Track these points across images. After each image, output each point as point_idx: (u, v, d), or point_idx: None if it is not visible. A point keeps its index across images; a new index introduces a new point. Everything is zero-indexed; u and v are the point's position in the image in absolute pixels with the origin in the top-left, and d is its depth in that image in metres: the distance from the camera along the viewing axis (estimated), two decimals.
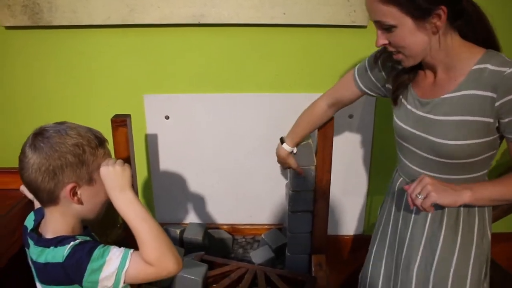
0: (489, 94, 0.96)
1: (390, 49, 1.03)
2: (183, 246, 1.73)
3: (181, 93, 1.69)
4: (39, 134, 0.89)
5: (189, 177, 1.82)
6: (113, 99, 1.70)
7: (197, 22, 1.55)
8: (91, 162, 0.90)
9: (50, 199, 0.91)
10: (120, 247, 0.90)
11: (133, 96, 1.69)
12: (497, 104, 0.96)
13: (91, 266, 0.85)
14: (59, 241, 0.89)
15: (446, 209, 1.10)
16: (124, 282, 0.87)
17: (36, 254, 0.90)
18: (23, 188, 1.20)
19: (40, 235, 0.94)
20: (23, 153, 0.89)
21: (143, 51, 1.63)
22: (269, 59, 1.65)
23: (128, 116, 1.45)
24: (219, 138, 1.75)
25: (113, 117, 1.43)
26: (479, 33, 1.00)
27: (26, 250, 0.98)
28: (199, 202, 1.85)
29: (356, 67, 1.27)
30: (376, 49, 1.16)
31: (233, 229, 1.87)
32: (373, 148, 1.77)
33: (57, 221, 0.93)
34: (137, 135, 1.59)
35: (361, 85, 1.25)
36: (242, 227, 1.87)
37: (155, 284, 1.46)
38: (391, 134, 1.22)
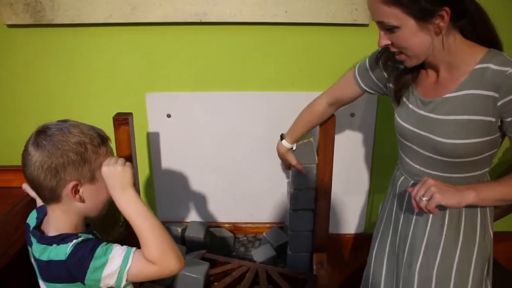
0: (492, 93, 0.96)
1: (393, 49, 1.03)
2: (185, 244, 1.73)
3: (183, 92, 1.69)
4: (42, 132, 0.89)
5: (190, 175, 1.82)
6: (115, 97, 1.70)
7: (199, 21, 1.55)
8: (93, 160, 0.91)
9: (52, 197, 0.91)
10: (122, 245, 0.90)
11: (135, 95, 1.69)
12: (499, 103, 0.96)
13: (93, 264, 0.85)
14: (61, 239, 0.89)
15: (448, 208, 1.10)
16: (126, 280, 0.87)
17: (39, 251, 0.91)
18: (26, 186, 1.21)
19: (42, 232, 0.95)
20: (26, 151, 0.89)
21: (145, 50, 1.63)
22: (271, 58, 1.65)
23: (130, 114, 1.45)
24: (221, 136, 1.75)
25: (115, 115, 1.43)
26: (480, 32, 1.00)
27: (29, 248, 0.98)
28: (200, 201, 1.86)
29: (357, 66, 1.27)
30: (377, 47, 1.16)
31: (235, 228, 1.87)
32: (375, 147, 1.77)
33: (59, 219, 0.93)
34: (139, 134, 1.59)
35: (361, 83, 1.25)
36: (244, 225, 1.88)
37: (157, 283, 1.46)
38: (393, 132, 1.22)
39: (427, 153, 1.09)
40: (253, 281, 1.49)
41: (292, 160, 1.47)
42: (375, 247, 1.33)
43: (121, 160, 0.93)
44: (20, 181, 1.24)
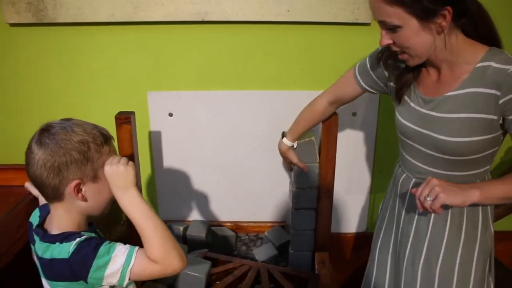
0: (493, 91, 0.96)
1: (395, 48, 1.03)
2: (187, 243, 1.73)
3: (185, 91, 1.69)
4: (46, 130, 0.89)
5: (192, 174, 1.82)
6: (117, 96, 1.70)
7: (201, 20, 1.55)
8: (96, 159, 0.91)
9: (55, 195, 0.91)
10: (124, 244, 0.90)
11: (137, 93, 1.70)
12: (501, 101, 0.96)
13: (96, 262, 0.85)
14: (64, 237, 0.89)
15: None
16: (129, 279, 0.88)
17: (42, 250, 0.91)
18: (28, 185, 1.21)
19: (45, 231, 0.95)
20: (29, 149, 0.89)
21: (147, 49, 1.63)
22: (273, 57, 1.65)
23: (132, 113, 1.45)
24: (222, 135, 1.75)
25: (117, 114, 1.44)
26: (481, 31, 1.01)
27: (32, 246, 0.98)
28: (202, 200, 1.86)
29: (357, 65, 1.27)
30: (378, 47, 1.16)
31: (236, 227, 1.87)
32: (377, 146, 1.77)
33: (62, 217, 0.94)
34: (140, 132, 1.59)
35: (362, 82, 1.26)
36: (245, 224, 1.88)
37: (159, 281, 1.46)
38: (395, 131, 1.22)
39: (428, 151, 1.09)
40: (255, 280, 1.49)
41: (294, 158, 1.48)
42: (378, 246, 1.33)
43: (123, 160, 0.93)
44: (22, 179, 1.25)
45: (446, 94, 1.03)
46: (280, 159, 1.56)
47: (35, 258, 0.97)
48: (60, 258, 0.87)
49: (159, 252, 0.86)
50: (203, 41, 1.63)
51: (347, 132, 1.75)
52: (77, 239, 0.88)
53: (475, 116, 1.00)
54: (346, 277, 1.96)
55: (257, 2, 1.53)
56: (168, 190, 1.84)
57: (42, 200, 1.07)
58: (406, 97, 1.14)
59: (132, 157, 1.42)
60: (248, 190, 1.84)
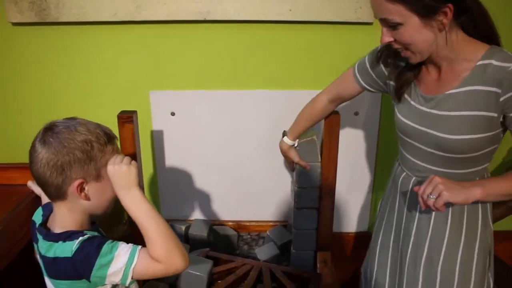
0: (494, 89, 0.97)
1: (396, 46, 1.04)
2: (188, 242, 1.73)
3: (187, 90, 1.69)
4: (49, 129, 0.90)
5: (194, 173, 1.82)
6: (119, 95, 1.70)
7: (203, 19, 1.55)
8: (99, 159, 0.91)
9: (58, 194, 0.91)
10: (126, 243, 0.90)
11: (139, 93, 1.70)
12: (501, 99, 0.97)
13: (99, 261, 0.85)
14: (68, 236, 0.89)
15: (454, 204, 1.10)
16: (131, 278, 0.88)
17: (45, 248, 0.91)
18: (31, 184, 1.22)
19: (48, 229, 0.95)
20: (33, 147, 0.90)
21: (150, 48, 1.64)
22: (275, 56, 1.65)
23: (135, 112, 1.45)
24: (224, 134, 1.75)
25: (120, 113, 1.44)
26: (481, 29, 1.01)
27: (35, 244, 0.99)
28: (204, 199, 1.86)
29: (356, 64, 1.28)
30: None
31: (238, 226, 1.87)
32: (379, 146, 1.77)
33: (65, 216, 0.94)
34: (143, 132, 1.59)
35: (361, 81, 1.26)
36: (247, 223, 1.88)
37: (161, 280, 1.46)
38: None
39: (429, 149, 1.10)
40: (257, 279, 1.49)
41: (295, 157, 1.48)
42: (378, 246, 1.33)
43: (126, 159, 0.93)
44: (24, 178, 1.25)
45: (446, 92, 1.04)
46: (282, 158, 1.57)
47: (38, 256, 0.97)
48: (63, 257, 0.88)
49: (162, 252, 0.87)
50: (205, 40, 1.63)
51: (349, 132, 1.75)
52: (80, 238, 0.88)
53: (476, 113, 1.00)
54: (348, 276, 1.96)
55: (259, 2, 1.53)
56: (170, 189, 1.84)
57: (44, 199, 1.07)
58: (406, 96, 1.14)
59: (134, 156, 1.42)
60: (250, 189, 1.84)
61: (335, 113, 1.45)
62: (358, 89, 1.28)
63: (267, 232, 1.78)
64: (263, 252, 1.66)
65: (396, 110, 1.18)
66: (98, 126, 0.94)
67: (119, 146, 0.99)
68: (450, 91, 1.03)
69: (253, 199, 1.85)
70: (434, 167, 1.11)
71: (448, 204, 1.01)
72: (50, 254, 0.90)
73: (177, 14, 1.54)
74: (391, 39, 1.02)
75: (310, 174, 1.50)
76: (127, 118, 1.43)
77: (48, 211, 1.00)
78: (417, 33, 0.97)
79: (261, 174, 1.81)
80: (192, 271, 1.41)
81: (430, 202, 0.99)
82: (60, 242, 0.89)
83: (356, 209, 1.89)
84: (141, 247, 0.89)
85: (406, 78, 1.13)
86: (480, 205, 1.13)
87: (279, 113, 1.68)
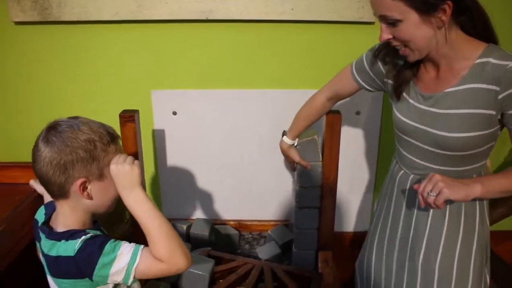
0: (493, 87, 0.98)
1: (395, 43, 1.04)
2: (190, 241, 1.73)
3: (189, 89, 1.69)
4: (53, 128, 0.90)
5: (196, 173, 1.82)
6: (121, 94, 1.70)
7: (205, 18, 1.55)
8: (102, 158, 0.91)
9: (60, 193, 0.92)
10: (129, 242, 0.90)
11: (141, 92, 1.70)
12: (500, 97, 0.97)
13: (102, 260, 0.85)
14: (70, 235, 0.90)
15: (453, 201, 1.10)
16: (134, 277, 0.88)
17: (48, 247, 0.91)
18: (33, 182, 1.22)
19: (51, 228, 0.95)
20: (36, 146, 0.90)
21: (151, 47, 1.64)
22: (277, 55, 1.65)
23: (136, 111, 1.45)
24: (226, 134, 1.75)
25: (121, 112, 1.44)
26: (479, 28, 1.02)
27: (37, 243, 0.99)
28: (206, 198, 1.86)
29: (354, 62, 1.28)
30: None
31: (240, 225, 1.87)
32: (380, 145, 1.77)
33: (67, 215, 0.94)
34: (144, 131, 1.59)
35: (359, 79, 1.26)
36: (249, 223, 1.88)
37: (162, 279, 1.46)
38: None
39: (427, 147, 1.10)
40: (258, 278, 1.49)
41: (295, 156, 1.48)
42: (375, 242, 1.32)
43: (129, 159, 0.93)
44: (26, 177, 1.25)
45: (445, 90, 1.04)
46: (284, 157, 1.57)
47: (40, 255, 0.98)
48: (66, 256, 0.88)
49: (164, 251, 0.87)
50: (207, 39, 1.63)
51: (351, 131, 1.75)
52: (83, 237, 0.88)
53: (474, 111, 1.01)
54: (349, 276, 1.96)
55: (262, 1, 1.53)
56: (171, 188, 1.85)
57: (47, 198, 1.07)
58: (405, 94, 1.15)
59: (136, 155, 1.42)
60: (251, 189, 1.84)
61: (336, 112, 1.45)
62: (356, 87, 1.29)
63: (269, 231, 1.78)
64: (265, 251, 1.66)
65: (394, 108, 1.18)
66: (102, 125, 0.94)
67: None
68: (449, 89, 1.04)
69: (255, 198, 1.85)
70: (432, 164, 1.12)
71: (447, 201, 1.01)
72: (53, 253, 0.90)
73: (179, 13, 1.54)
74: (390, 36, 1.02)
75: (311, 173, 1.50)
76: (128, 117, 1.43)
77: (50, 210, 1.00)
78: (416, 30, 0.98)
79: (262, 174, 1.81)
80: (193, 270, 1.41)
81: (431, 199, 0.99)
82: (63, 241, 0.89)
83: (358, 209, 1.89)
84: (144, 247, 0.89)
85: (405, 77, 1.13)
86: (477, 202, 1.13)
87: (281, 112, 1.68)
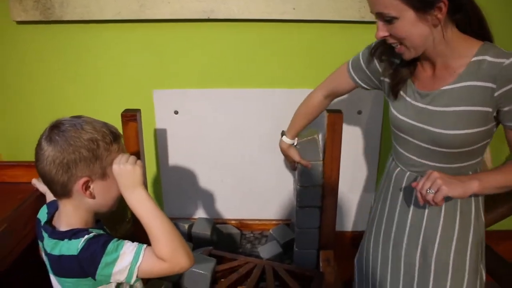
0: (489, 84, 0.98)
1: (391, 41, 1.04)
2: (192, 241, 1.74)
3: (191, 88, 1.70)
4: (55, 127, 0.90)
5: (197, 172, 1.83)
6: (122, 94, 1.71)
7: (207, 18, 1.55)
8: (104, 157, 0.91)
9: (63, 192, 0.92)
10: (131, 241, 0.91)
11: (142, 91, 1.70)
12: (496, 94, 0.98)
13: (105, 259, 0.86)
14: (73, 234, 0.90)
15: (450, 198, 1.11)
16: (136, 277, 0.88)
17: (51, 246, 0.91)
18: (35, 181, 1.22)
19: (54, 227, 0.95)
20: (39, 145, 0.90)
21: (153, 46, 1.64)
22: (278, 55, 1.65)
23: (138, 110, 1.46)
24: (227, 133, 1.75)
25: (123, 111, 1.44)
26: (475, 26, 1.02)
27: (40, 242, 0.99)
28: (207, 197, 1.86)
29: (350, 61, 1.28)
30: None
31: (241, 224, 1.87)
32: (381, 144, 1.78)
33: (70, 214, 0.94)
34: (146, 130, 1.59)
35: (355, 78, 1.27)
36: (250, 222, 1.88)
37: (164, 279, 1.47)
38: None
39: (424, 145, 1.11)
40: (260, 277, 1.49)
41: (295, 156, 1.48)
42: (372, 240, 1.32)
43: (132, 159, 0.93)
44: (29, 176, 1.26)
45: (442, 88, 1.05)
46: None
47: (43, 254, 0.98)
48: (69, 255, 0.88)
49: (166, 250, 0.87)
50: (208, 39, 1.63)
51: (352, 130, 1.75)
52: (86, 236, 0.89)
53: (471, 109, 1.01)
54: (351, 275, 1.96)
55: (263, 0, 1.53)
56: (173, 187, 1.85)
57: (49, 197, 1.08)
58: (402, 92, 1.15)
59: (138, 155, 1.43)
60: (253, 188, 1.84)
61: (337, 112, 1.45)
62: (353, 85, 1.29)
63: (270, 230, 1.78)
64: (266, 250, 1.67)
65: (391, 106, 1.19)
66: (104, 124, 0.94)
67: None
68: (445, 87, 1.04)
69: (256, 197, 1.86)
70: (428, 161, 1.12)
71: (446, 198, 1.02)
72: (56, 252, 0.90)
73: (181, 13, 1.55)
74: (386, 33, 1.03)
75: (312, 173, 1.50)
76: (130, 116, 1.43)
77: (53, 209, 1.00)
78: (412, 28, 0.98)
79: (264, 173, 1.81)
80: (195, 269, 1.41)
81: (429, 197, 1.00)
82: (66, 240, 0.89)
83: (359, 208, 1.89)
84: (146, 246, 0.89)
85: (402, 75, 1.14)
86: (473, 198, 1.14)
87: (282, 112, 1.68)
